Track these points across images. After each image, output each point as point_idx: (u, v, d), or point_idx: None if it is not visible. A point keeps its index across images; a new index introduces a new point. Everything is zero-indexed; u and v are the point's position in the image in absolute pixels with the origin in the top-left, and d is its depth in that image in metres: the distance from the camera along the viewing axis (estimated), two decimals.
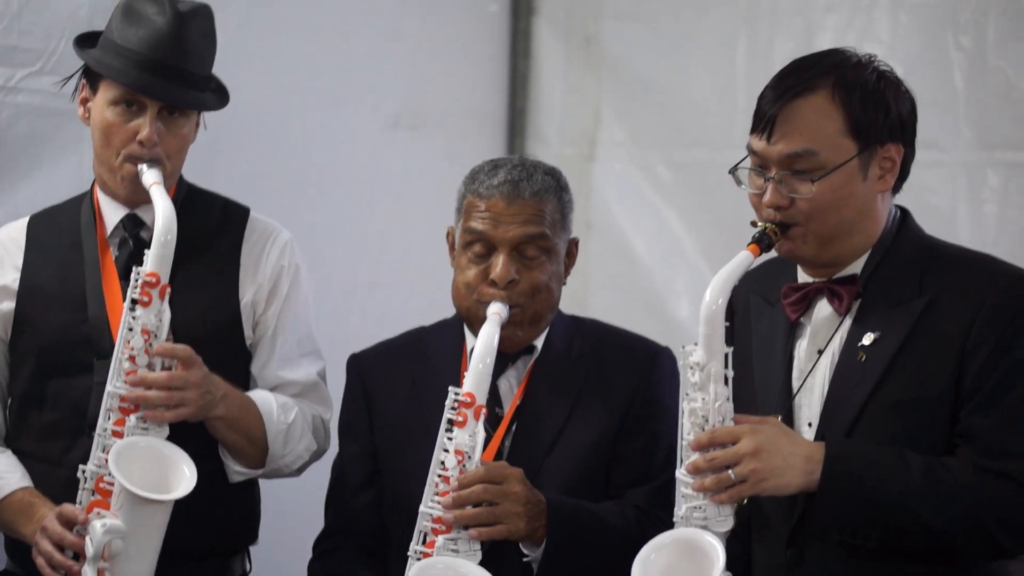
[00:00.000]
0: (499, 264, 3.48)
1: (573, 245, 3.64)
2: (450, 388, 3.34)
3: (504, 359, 3.54)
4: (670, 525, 3.07)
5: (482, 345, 3.37)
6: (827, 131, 3.07)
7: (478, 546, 3.32)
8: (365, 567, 3.57)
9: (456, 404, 3.32)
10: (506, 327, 3.46)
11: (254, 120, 4.63)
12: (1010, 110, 4.87)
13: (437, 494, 3.32)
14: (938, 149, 4.81)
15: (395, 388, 3.63)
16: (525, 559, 3.41)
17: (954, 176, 4.90)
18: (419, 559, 3.30)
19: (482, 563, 3.31)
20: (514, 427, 3.53)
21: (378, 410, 3.63)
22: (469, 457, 3.32)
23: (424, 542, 3.32)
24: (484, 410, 3.34)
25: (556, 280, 3.56)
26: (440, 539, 3.30)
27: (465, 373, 3.37)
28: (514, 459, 3.47)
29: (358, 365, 3.71)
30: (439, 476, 3.32)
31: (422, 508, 3.32)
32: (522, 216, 3.50)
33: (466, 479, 3.31)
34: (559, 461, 3.51)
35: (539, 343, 3.60)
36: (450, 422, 3.33)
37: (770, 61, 5.15)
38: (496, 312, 3.45)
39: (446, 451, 3.32)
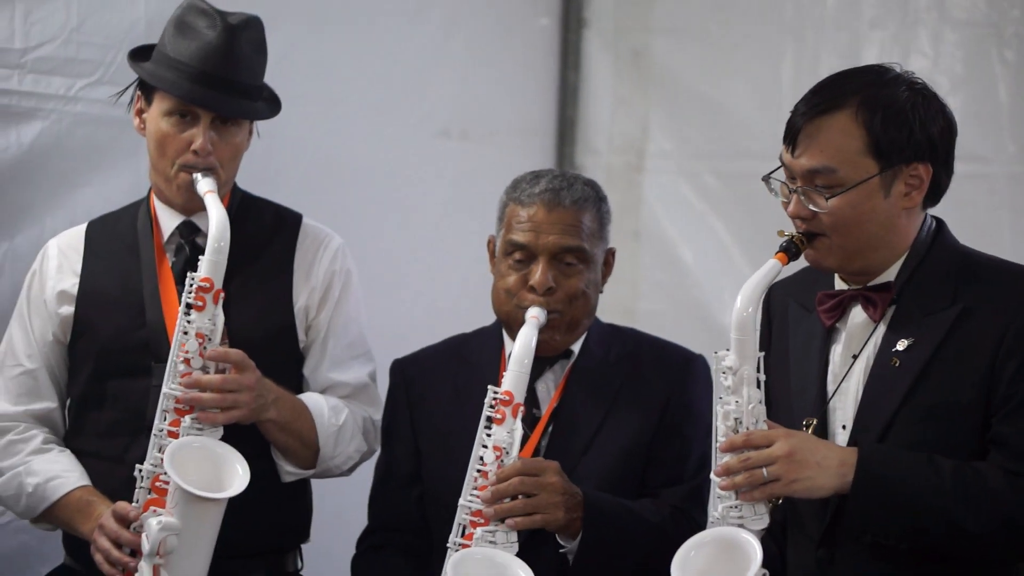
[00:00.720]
0: (538, 271, 3.57)
1: (610, 255, 3.72)
2: (489, 387, 3.42)
3: (542, 363, 3.61)
4: (703, 525, 3.14)
5: (520, 346, 3.46)
6: (848, 150, 3.11)
7: (515, 537, 3.38)
8: (407, 564, 3.64)
9: (495, 402, 3.40)
10: (544, 331, 3.55)
11: (307, 129, 4.71)
12: None
13: (476, 488, 3.39)
14: (982, 162, 4.84)
15: (437, 392, 3.72)
16: (561, 551, 3.48)
17: (997, 189, 4.92)
18: (457, 551, 3.36)
19: (519, 555, 3.37)
20: (550, 429, 3.61)
21: (420, 414, 3.72)
22: (507, 453, 3.39)
23: (463, 535, 3.39)
24: (522, 408, 3.41)
25: (593, 288, 3.64)
26: (478, 531, 3.37)
27: (504, 374, 3.45)
28: (549, 458, 3.53)
29: (401, 370, 3.80)
30: (478, 471, 3.40)
31: (461, 502, 3.39)
32: (561, 225, 3.59)
33: (504, 472, 3.38)
34: (594, 462, 3.58)
35: (576, 348, 3.68)
36: (488, 419, 3.40)
37: (815, 74, 5.09)
38: (534, 316, 3.54)
39: (484, 447, 3.40)
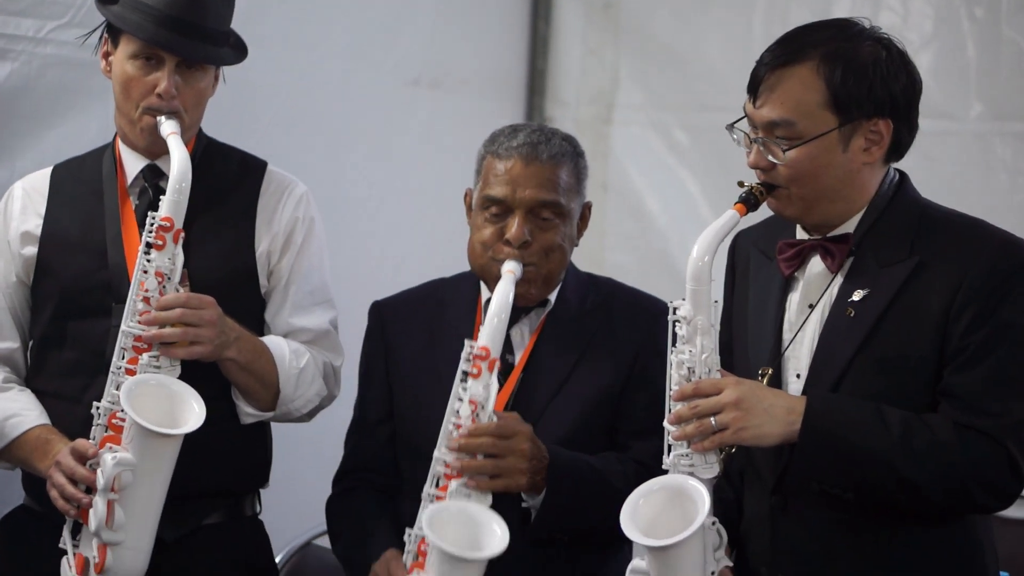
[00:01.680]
0: (514, 225, 3.58)
1: (587, 209, 3.74)
2: (466, 341, 3.43)
3: (518, 311, 3.63)
4: None
5: (497, 301, 3.47)
6: (807, 103, 3.12)
7: (489, 492, 3.41)
8: (380, 504, 3.67)
9: (471, 357, 3.41)
10: (519, 285, 3.56)
11: (277, 76, 4.72)
12: (1022, 81, 4.92)
13: (451, 439, 3.41)
14: (949, 119, 4.87)
15: (412, 336, 3.74)
16: (524, 505, 3.51)
17: (965, 146, 4.95)
18: (431, 501, 3.39)
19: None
20: (522, 376, 3.64)
21: (395, 356, 3.75)
22: (482, 407, 3.41)
23: (437, 485, 3.41)
24: (498, 363, 3.43)
25: (569, 242, 3.66)
26: (453, 483, 3.39)
27: (480, 327, 3.47)
28: (519, 405, 3.58)
29: (379, 312, 3.83)
30: (452, 424, 3.42)
31: (436, 453, 3.41)
32: (538, 179, 3.60)
33: (477, 430, 3.40)
34: (562, 408, 3.61)
35: (552, 297, 3.70)
36: (465, 373, 3.42)
37: (786, 27, 5.07)
38: (511, 270, 3.55)
39: (460, 400, 3.42)
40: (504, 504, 3.45)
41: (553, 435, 3.56)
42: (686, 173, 5.56)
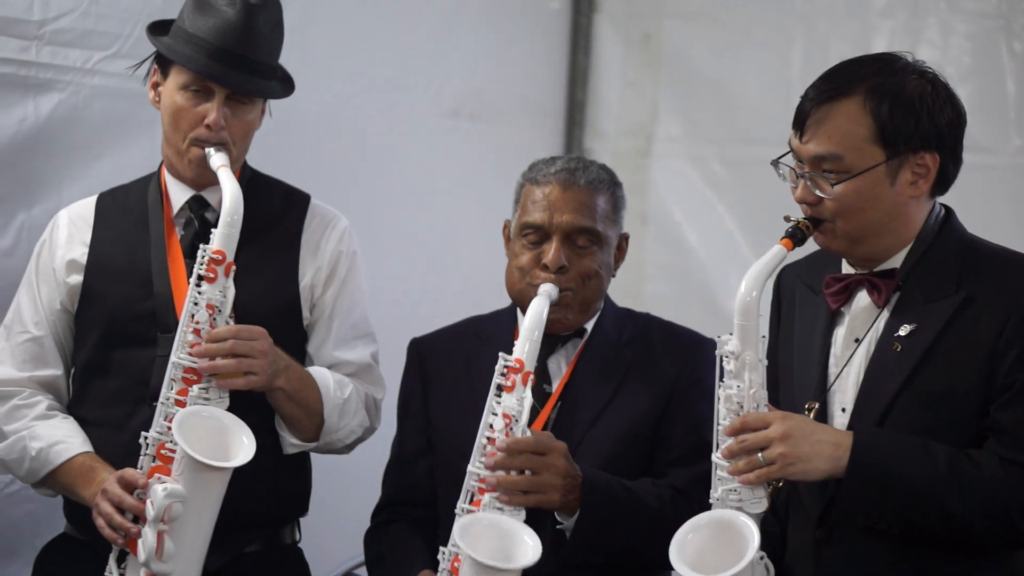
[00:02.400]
0: (551, 250, 3.62)
1: (624, 240, 3.76)
2: (500, 355, 3.45)
3: (555, 340, 3.66)
4: (707, 507, 3.16)
5: (531, 316, 3.50)
6: (855, 137, 3.13)
7: (522, 507, 3.42)
8: (417, 535, 3.68)
9: (505, 370, 3.44)
10: (556, 310, 3.59)
11: (316, 107, 4.73)
12: None
13: (484, 455, 3.42)
14: (987, 153, 4.86)
15: (450, 369, 3.76)
16: (559, 527, 3.51)
17: (1002, 180, 4.94)
18: (464, 515, 3.39)
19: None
20: (559, 405, 3.64)
21: (433, 389, 3.77)
22: (516, 420, 3.42)
23: (471, 501, 3.42)
24: (532, 377, 3.44)
25: (606, 269, 3.69)
26: (486, 497, 3.40)
27: (515, 343, 3.49)
28: (557, 432, 3.58)
29: (417, 348, 3.86)
30: (487, 437, 3.43)
31: (469, 468, 3.42)
32: (575, 204, 3.64)
33: (515, 446, 3.41)
34: (600, 437, 3.62)
35: (589, 327, 3.71)
36: (499, 387, 3.44)
37: (826, 61, 5.08)
38: (546, 291, 3.57)
39: (494, 414, 3.43)
40: (539, 526, 3.46)
41: (592, 460, 3.57)
42: (724, 206, 5.57)
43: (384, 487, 3.83)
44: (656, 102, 5.70)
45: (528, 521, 3.43)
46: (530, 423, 3.49)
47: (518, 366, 3.43)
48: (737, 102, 5.52)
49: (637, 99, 5.74)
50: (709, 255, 5.62)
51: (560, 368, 3.70)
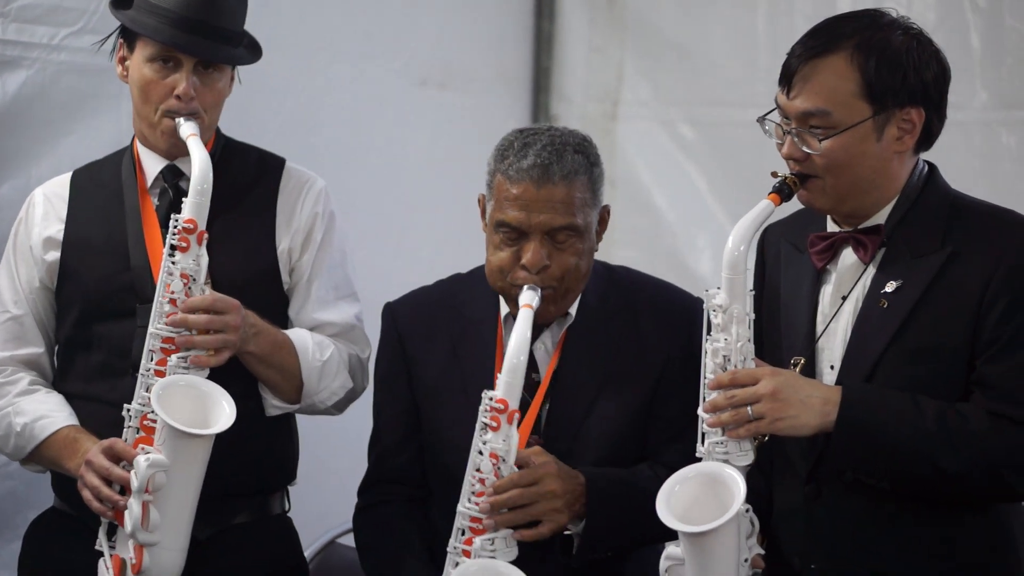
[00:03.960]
0: (530, 251, 3.49)
1: (605, 212, 3.64)
2: (484, 393, 3.38)
3: (538, 326, 3.56)
4: None
5: (515, 344, 3.39)
6: (842, 92, 3.14)
7: (515, 543, 3.39)
8: (409, 517, 3.65)
9: (489, 409, 3.37)
10: (539, 306, 3.49)
11: (287, 77, 4.74)
12: None
13: (474, 494, 3.38)
14: (953, 109, 4.86)
15: (434, 350, 3.67)
16: (566, 532, 3.49)
17: (969, 135, 4.96)
18: (458, 555, 3.38)
19: (523, 543, 3.40)
20: (550, 395, 3.59)
21: (418, 371, 3.68)
22: (504, 460, 3.37)
23: (463, 538, 3.39)
24: (517, 415, 3.38)
25: (588, 254, 3.57)
26: (477, 540, 3.37)
27: (498, 376, 3.39)
28: (551, 427, 3.55)
29: (394, 316, 3.74)
30: (475, 478, 3.39)
31: (459, 508, 3.38)
32: (551, 203, 3.49)
33: (501, 485, 3.37)
34: (595, 429, 3.57)
35: (573, 310, 3.62)
36: (484, 425, 3.38)
37: (791, 21, 5.22)
38: (527, 304, 3.45)
39: (480, 454, 3.38)
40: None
41: (590, 456, 3.55)
42: (693, 168, 5.57)
43: (370, 461, 3.77)
44: (622, 66, 5.69)
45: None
46: (521, 415, 3.45)
47: (502, 407, 3.36)
48: (703, 64, 5.52)
49: (603, 63, 5.72)
50: (678, 217, 5.63)
51: (547, 353, 3.62)
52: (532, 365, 3.58)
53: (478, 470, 3.39)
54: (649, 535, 3.47)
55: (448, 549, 3.40)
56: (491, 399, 3.37)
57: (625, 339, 3.63)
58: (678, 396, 3.56)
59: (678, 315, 3.64)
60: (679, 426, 3.53)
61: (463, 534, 3.39)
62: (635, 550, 3.59)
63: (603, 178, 3.62)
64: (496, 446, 3.37)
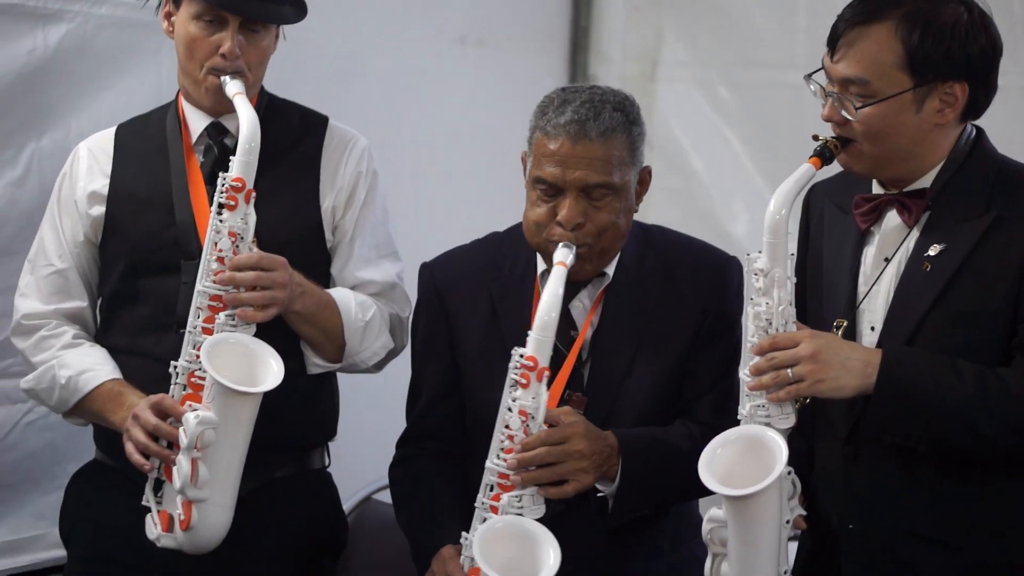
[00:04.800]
0: (566, 207, 3.49)
1: (646, 173, 3.64)
2: (514, 350, 3.39)
3: (576, 285, 3.57)
4: None
5: (546, 301, 3.40)
6: (883, 63, 3.12)
7: (542, 500, 3.40)
8: (445, 472, 3.66)
9: (519, 366, 3.38)
10: (574, 264, 3.49)
11: (323, 34, 4.70)
12: None
13: (502, 450, 3.39)
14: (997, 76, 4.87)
15: (475, 310, 3.67)
16: (599, 494, 3.50)
17: (1013, 100, 4.92)
18: (486, 510, 3.39)
19: (555, 504, 3.41)
20: (588, 355, 3.60)
21: (459, 332, 3.68)
22: (532, 418, 3.39)
23: (491, 494, 3.40)
24: (547, 372, 3.39)
25: (626, 214, 3.56)
26: (505, 497, 3.38)
27: (529, 334, 3.39)
28: (591, 388, 3.56)
29: (432, 276, 3.74)
30: (504, 435, 3.40)
31: (488, 464, 3.40)
32: (587, 159, 3.48)
33: (529, 442, 3.38)
34: (634, 390, 3.58)
35: (610, 270, 3.62)
36: (514, 382, 3.39)
37: None
38: (561, 262, 3.45)
39: (510, 411, 3.40)
40: (579, 497, 3.47)
41: (631, 413, 3.56)
42: (730, 130, 5.56)
43: (409, 419, 3.78)
44: (661, 26, 5.68)
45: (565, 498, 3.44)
46: (556, 370, 3.46)
47: (532, 364, 3.37)
48: (742, 25, 5.50)
49: (642, 23, 5.71)
50: (714, 180, 5.62)
51: (584, 309, 3.63)
52: (569, 322, 3.59)
53: (507, 427, 3.40)
54: (683, 494, 3.50)
55: (476, 505, 3.42)
56: (521, 356, 3.38)
57: (662, 299, 3.63)
58: (711, 351, 3.59)
59: (713, 272, 3.66)
60: (708, 382, 3.57)
61: (491, 490, 3.41)
62: (671, 507, 3.61)
63: (643, 138, 3.60)
64: (525, 403, 3.38)
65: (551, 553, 3.30)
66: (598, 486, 3.48)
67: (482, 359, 3.64)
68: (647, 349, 3.60)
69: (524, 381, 3.37)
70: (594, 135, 3.48)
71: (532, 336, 3.39)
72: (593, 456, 3.44)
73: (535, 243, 3.58)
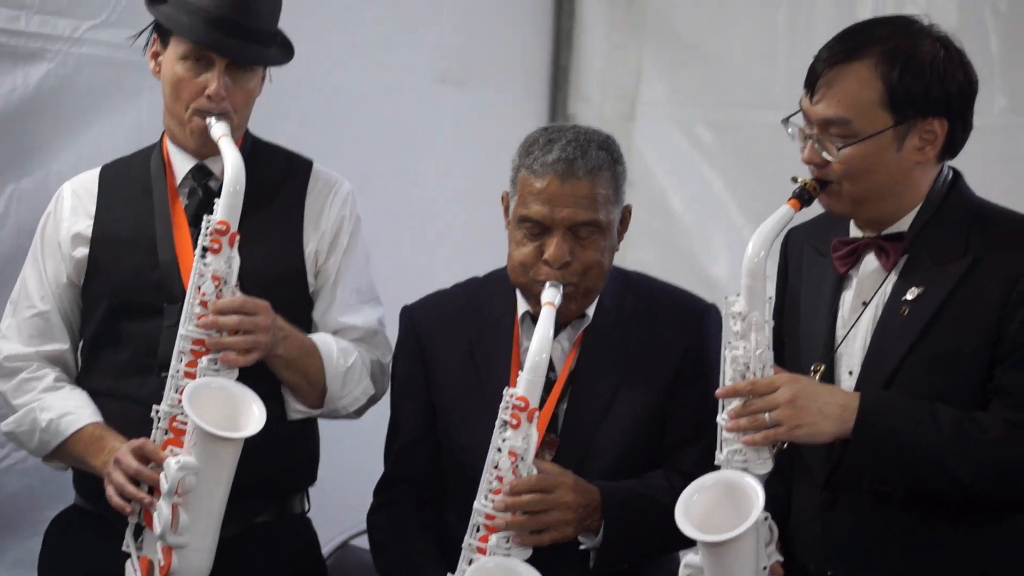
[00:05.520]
0: (553, 246, 3.50)
1: (627, 212, 3.66)
2: (505, 390, 3.40)
3: (557, 325, 3.56)
4: None
5: (537, 342, 3.41)
6: (864, 101, 3.13)
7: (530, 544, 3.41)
8: (422, 519, 3.67)
9: (511, 407, 3.39)
10: (560, 304, 3.51)
11: (305, 72, 4.66)
12: None
13: (491, 491, 3.40)
14: (974, 114, 4.89)
15: (451, 352, 3.68)
16: (581, 547, 3.50)
17: (989, 141, 4.95)
18: (473, 551, 3.40)
19: (542, 551, 3.41)
20: (567, 395, 3.60)
21: (436, 373, 3.69)
22: (522, 459, 3.39)
23: (478, 535, 3.40)
24: (538, 412, 3.40)
25: (609, 252, 3.59)
26: (493, 538, 3.38)
27: (518, 374, 3.41)
28: (568, 427, 3.57)
29: (412, 319, 3.76)
30: (493, 476, 3.40)
31: (476, 504, 3.40)
32: (575, 197, 3.50)
33: (519, 486, 3.38)
34: (613, 427, 3.58)
35: (591, 311, 3.64)
36: (504, 423, 3.39)
37: (811, 23, 5.22)
38: (549, 302, 3.47)
39: (499, 451, 3.40)
40: (562, 547, 3.47)
41: (607, 456, 3.57)
42: (710, 170, 5.56)
43: (386, 464, 3.78)
44: (640, 65, 5.69)
45: (550, 546, 3.44)
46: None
47: (523, 404, 3.38)
48: (722, 65, 5.52)
49: (621, 62, 5.72)
50: (694, 220, 5.62)
51: (564, 351, 3.63)
52: (548, 364, 3.55)
53: (496, 467, 3.40)
54: (665, 546, 3.50)
55: (463, 545, 3.42)
56: (512, 396, 3.38)
57: (641, 341, 3.64)
58: (692, 397, 3.58)
59: (693, 316, 3.67)
60: (693, 427, 3.55)
61: (478, 531, 3.41)
62: (652, 560, 3.61)
63: (626, 176, 3.64)
64: (515, 444, 3.38)
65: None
66: (580, 539, 3.49)
67: (458, 399, 3.65)
68: (625, 392, 3.60)
69: (515, 422, 3.38)
70: (581, 173, 3.51)
71: (523, 376, 3.40)
72: (579, 509, 3.44)
73: (521, 283, 3.59)
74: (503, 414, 3.39)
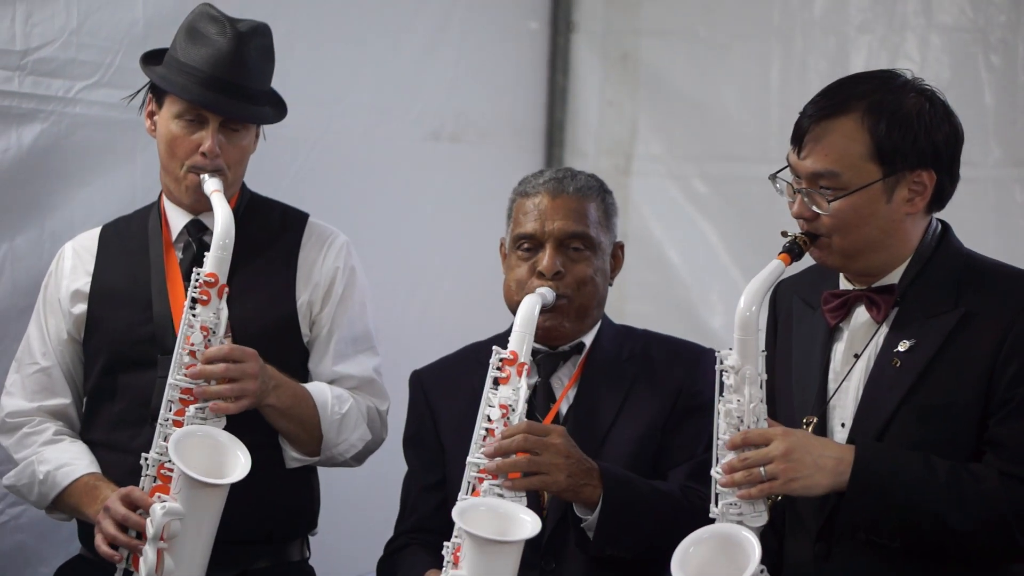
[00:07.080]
0: (546, 257, 3.63)
1: (619, 248, 3.79)
2: (494, 348, 3.47)
3: (556, 358, 3.68)
4: (708, 498, 3.17)
5: (523, 310, 3.51)
6: (852, 154, 3.15)
7: (523, 493, 3.41)
8: (430, 557, 3.63)
9: (500, 362, 3.45)
10: (552, 317, 3.61)
11: (299, 128, 4.71)
12: None
13: (483, 446, 3.42)
14: (968, 166, 4.86)
15: (456, 396, 3.74)
16: (582, 525, 3.50)
17: (983, 193, 4.97)
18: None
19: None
20: (568, 422, 3.63)
21: (443, 419, 3.76)
22: (513, 410, 3.42)
23: (471, 492, 3.41)
24: (527, 366, 3.45)
25: (602, 275, 3.70)
26: (485, 484, 3.39)
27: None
28: None
29: (420, 382, 3.85)
30: (484, 429, 3.43)
31: (469, 459, 3.42)
32: (565, 210, 3.67)
33: (510, 430, 3.40)
34: (611, 454, 3.60)
35: (588, 341, 3.72)
36: (495, 380, 3.45)
37: (804, 78, 5.26)
38: (540, 293, 3.58)
39: (491, 406, 3.43)
40: (564, 527, 3.51)
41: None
42: (705, 223, 5.59)
43: (399, 521, 3.80)
44: (635, 120, 5.73)
45: (555, 524, 3.47)
46: (525, 407, 3.48)
47: (512, 357, 3.44)
48: (716, 119, 5.55)
49: (616, 118, 5.76)
50: (690, 272, 5.64)
51: (561, 384, 3.71)
52: (549, 394, 3.68)
53: (488, 419, 3.43)
54: (663, 535, 3.42)
55: (458, 500, 3.41)
56: (501, 353, 3.45)
57: (638, 376, 3.71)
58: (686, 428, 3.65)
59: (691, 357, 3.75)
60: (682, 455, 3.62)
61: (471, 488, 3.41)
62: (651, 555, 3.55)
63: (616, 211, 3.78)
64: (506, 396, 3.43)
65: (528, 519, 3.29)
66: (578, 513, 3.49)
67: (464, 439, 3.61)
68: (623, 422, 3.65)
69: (504, 375, 3.43)
70: (571, 190, 3.69)
71: (513, 334, 3.48)
72: (569, 457, 3.44)
73: (515, 302, 3.65)
74: (493, 372, 3.45)
